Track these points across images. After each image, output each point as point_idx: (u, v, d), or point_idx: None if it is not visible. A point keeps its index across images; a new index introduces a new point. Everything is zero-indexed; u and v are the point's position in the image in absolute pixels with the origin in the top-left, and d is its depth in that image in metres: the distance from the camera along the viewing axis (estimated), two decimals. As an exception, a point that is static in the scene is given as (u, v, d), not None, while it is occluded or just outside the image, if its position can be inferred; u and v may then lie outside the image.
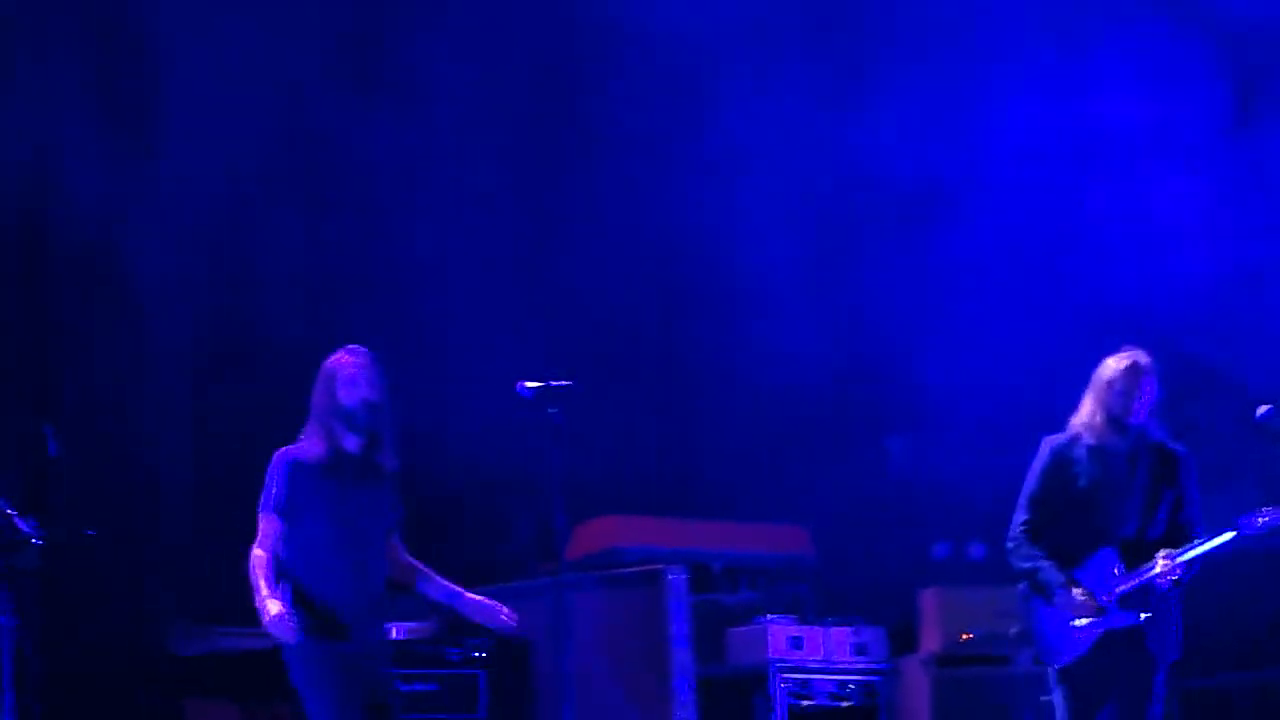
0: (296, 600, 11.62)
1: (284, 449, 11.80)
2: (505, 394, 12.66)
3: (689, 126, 17.97)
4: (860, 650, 14.90)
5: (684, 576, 14.63)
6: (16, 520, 11.01)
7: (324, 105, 17.27)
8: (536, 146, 17.43)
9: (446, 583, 12.60)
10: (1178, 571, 12.12)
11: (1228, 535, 11.93)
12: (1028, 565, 12.36)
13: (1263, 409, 13.77)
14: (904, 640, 15.31)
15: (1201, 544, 12.09)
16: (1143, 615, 11.86)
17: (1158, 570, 11.98)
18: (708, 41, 17.73)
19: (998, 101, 18.09)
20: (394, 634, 14.45)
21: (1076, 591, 12.19)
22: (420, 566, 12.11)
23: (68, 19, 16.78)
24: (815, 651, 14.69)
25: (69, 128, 15.77)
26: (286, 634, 12.15)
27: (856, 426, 17.10)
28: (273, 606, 11.28)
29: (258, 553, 11.57)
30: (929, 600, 15.20)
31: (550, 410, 12.47)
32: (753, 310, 17.43)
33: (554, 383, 12.50)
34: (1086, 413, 11.72)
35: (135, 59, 16.96)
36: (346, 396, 11.64)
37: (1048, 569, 12.25)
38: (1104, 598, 12.09)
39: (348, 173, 17.24)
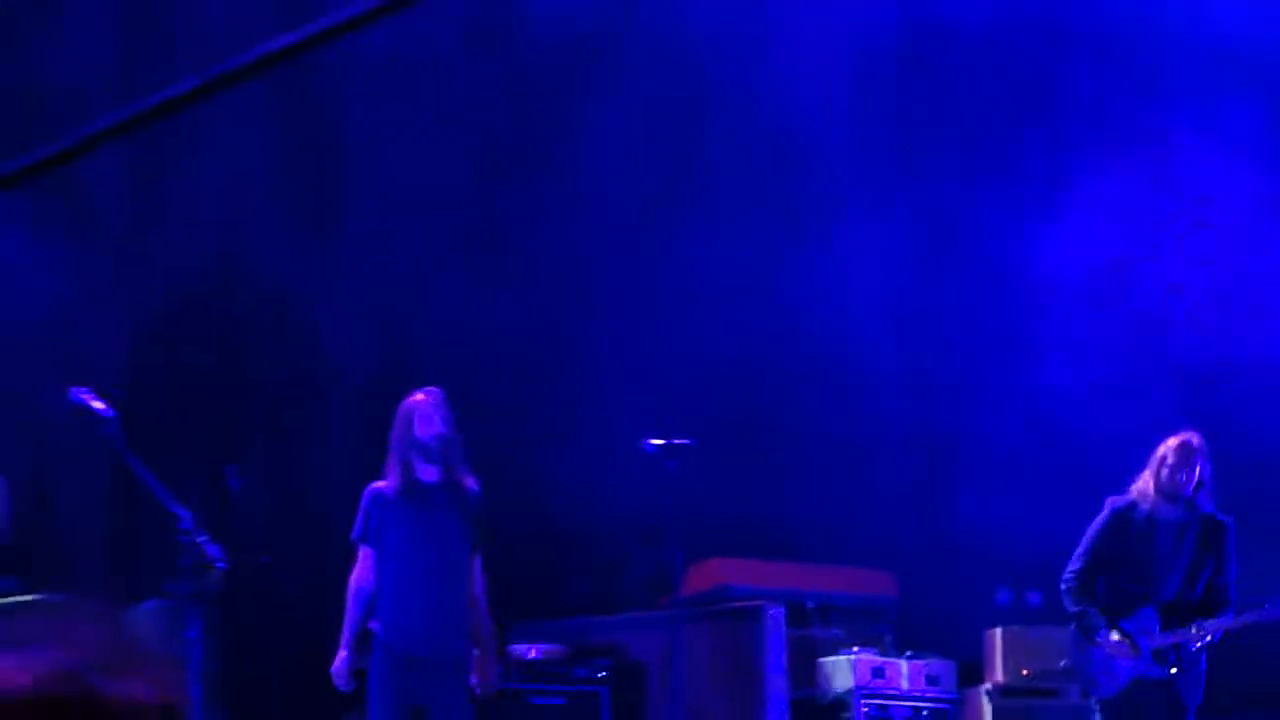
0: (381, 615, 12.83)
1: (371, 484, 13.02)
2: (631, 449, 14.06)
3: (783, 194, 18.12)
4: (933, 681, 15.43)
5: (781, 612, 15.32)
6: (205, 545, 11.54)
7: (479, 186, 17.84)
8: (663, 222, 17.59)
9: (484, 622, 12.94)
10: (1206, 639, 12.93)
11: (1253, 615, 12.93)
12: (1077, 609, 13.34)
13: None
14: (971, 673, 15.69)
15: (1230, 621, 13.06)
16: (1173, 670, 12.58)
17: (1191, 635, 12.92)
18: (810, 107, 17.82)
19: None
20: (530, 654, 15.42)
21: (1114, 636, 13.17)
22: (478, 597, 12.96)
23: (260, 112, 16.91)
24: (894, 681, 15.23)
25: (259, 203, 16.55)
26: (340, 683, 12.74)
27: (935, 483, 17.20)
28: (340, 656, 12.72)
29: (351, 584, 13.03)
30: (993, 639, 15.54)
31: (669, 464, 13.71)
32: (847, 378, 17.62)
33: (674, 441, 13.79)
34: (1143, 482, 12.91)
35: (317, 145, 17.69)
36: (422, 431, 12.86)
37: (1094, 614, 13.22)
38: (1142, 641, 13.05)
39: (500, 243, 17.76)
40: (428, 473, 12.84)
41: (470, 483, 13.14)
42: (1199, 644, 12.75)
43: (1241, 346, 17.45)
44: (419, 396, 13.15)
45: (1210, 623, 12.65)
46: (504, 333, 17.35)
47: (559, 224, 18.23)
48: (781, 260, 18.31)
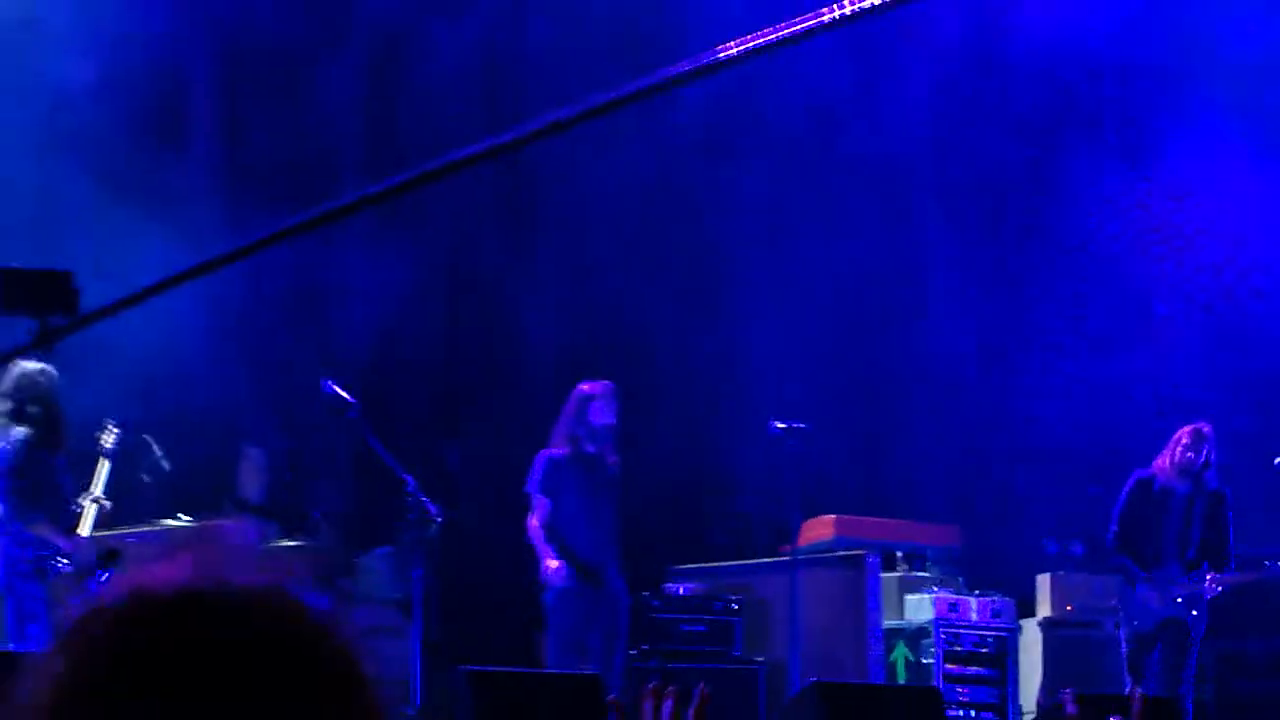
0: (562, 554, 14.01)
1: (543, 450, 14.16)
2: (760, 428, 15.36)
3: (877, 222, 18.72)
4: (996, 614, 15.98)
5: (877, 559, 16.03)
6: (426, 504, 13.15)
7: (647, 211, 18.45)
8: (788, 241, 18.44)
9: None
10: (1217, 590, 14.28)
11: (1254, 573, 14.42)
12: (1119, 562, 14.36)
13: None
14: (1026, 608, 16.33)
15: (1238, 576, 14.37)
16: (1194, 613, 13.69)
17: (1206, 586, 14.14)
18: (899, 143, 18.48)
19: None
20: (680, 590, 16.10)
21: (1148, 584, 14.17)
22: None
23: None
24: (965, 614, 15.87)
25: (482, 225, 17.39)
26: (560, 580, 13.81)
27: (998, 456, 17.88)
28: (551, 563, 13.86)
29: (534, 523, 14.14)
30: (1043, 582, 16.35)
31: (790, 441, 15.02)
32: (930, 371, 18.54)
33: (793, 424, 15.08)
34: (1162, 459, 14.29)
35: (526, 173, 18.35)
36: (596, 419, 14.06)
37: (1133, 567, 14.23)
38: (1172, 589, 13.97)
39: (663, 258, 18.29)
40: (590, 448, 13.99)
41: (613, 458, 14.29)
42: (1211, 594, 13.93)
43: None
44: (594, 387, 14.24)
45: (1220, 576, 13.97)
46: (666, 328, 17.81)
47: (710, 240, 18.68)
48: (882, 273, 18.72)
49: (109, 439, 13.52)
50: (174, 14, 17.55)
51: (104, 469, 13.36)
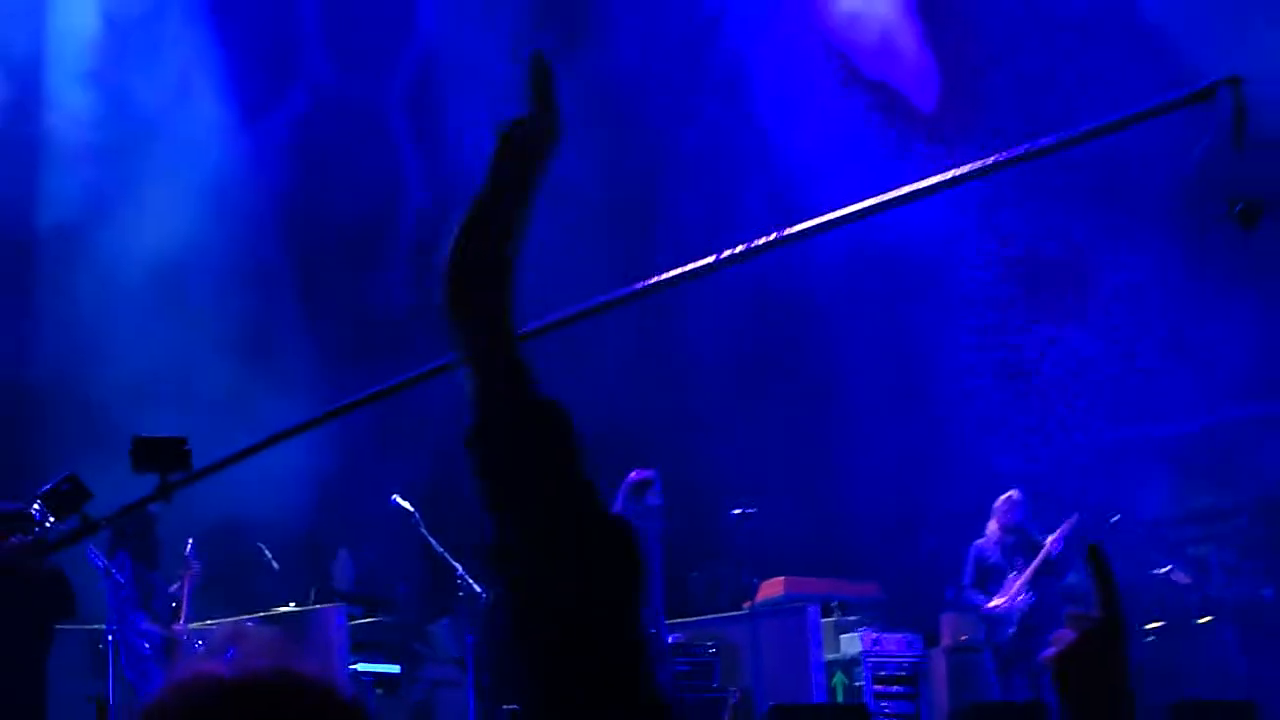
0: None
1: None
2: (724, 514, 15.89)
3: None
4: (909, 645, 16.30)
5: (818, 609, 16.37)
6: (472, 585, 13.74)
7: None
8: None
9: None
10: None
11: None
12: (969, 598, 15.31)
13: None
14: (932, 640, 16.51)
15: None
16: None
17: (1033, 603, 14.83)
18: None
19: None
20: (669, 639, 15.47)
21: (994, 603, 15.03)
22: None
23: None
24: (886, 647, 16.19)
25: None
26: None
27: (907, 530, 17.96)
28: None
29: None
30: (945, 620, 16.57)
31: (746, 523, 15.66)
32: (860, 473, 18.31)
33: (748, 509, 15.67)
34: (993, 524, 15.36)
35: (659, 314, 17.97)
36: (652, 499, 13.89)
37: (976, 597, 15.20)
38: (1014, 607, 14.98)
39: (662, 380, 18.48)
40: (642, 524, 13.27)
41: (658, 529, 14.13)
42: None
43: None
44: (649, 474, 14.11)
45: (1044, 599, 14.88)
46: (653, 434, 17.51)
47: (689, 370, 18.85)
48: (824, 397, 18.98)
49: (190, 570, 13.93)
50: (260, 203, 18.33)
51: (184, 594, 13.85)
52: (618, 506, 13.95)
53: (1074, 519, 15.08)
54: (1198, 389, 17.75)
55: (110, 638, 12.88)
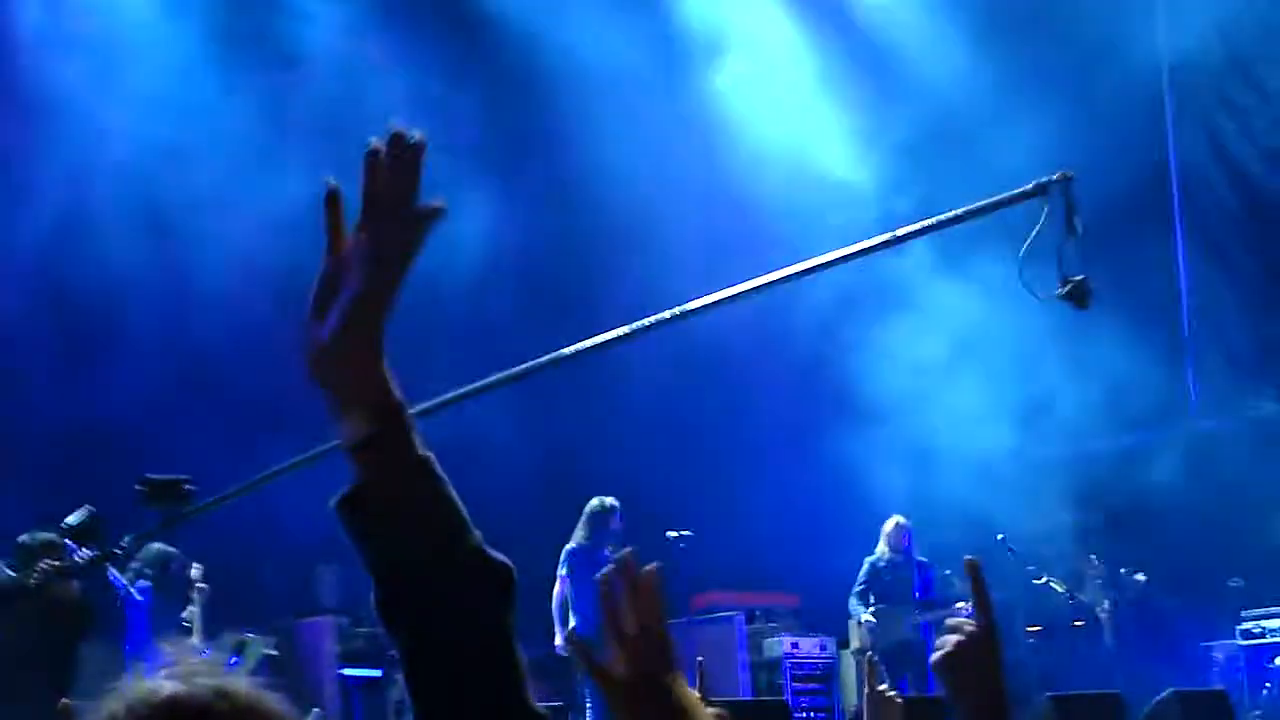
0: (579, 622, 13.70)
1: (568, 546, 13.99)
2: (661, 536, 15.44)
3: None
4: (823, 649, 16.66)
5: (744, 617, 16.68)
6: None
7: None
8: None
9: None
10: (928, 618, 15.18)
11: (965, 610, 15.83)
12: (857, 606, 15.49)
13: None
14: (843, 643, 16.63)
15: (948, 612, 14.01)
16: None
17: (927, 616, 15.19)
18: None
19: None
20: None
21: (869, 617, 15.36)
22: None
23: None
24: (803, 650, 16.57)
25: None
26: (562, 650, 13.71)
27: (820, 549, 17.23)
28: (560, 639, 13.82)
29: (557, 596, 14.02)
30: (853, 626, 16.11)
31: (680, 543, 15.57)
32: (778, 498, 18.37)
33: (683, 531, 15.69)
34: (883, 542, 15.76)
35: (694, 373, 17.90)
36: (616, 526, 14.17)
37: (861, 608, 15.47)
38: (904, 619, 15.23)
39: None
40: (603, 545, 14.07)
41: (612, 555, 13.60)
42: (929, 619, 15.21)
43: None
44: (614, 503, 14.37)
45: (933, 613, 15.31)
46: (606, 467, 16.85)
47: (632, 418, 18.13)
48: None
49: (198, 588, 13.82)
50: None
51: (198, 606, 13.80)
52: (582, 530, 14.31)
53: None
54: (1068, 421, 17.93)
55: (130, 655, 12.71)
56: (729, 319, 16.54)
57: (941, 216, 6.79)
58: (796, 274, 6.78)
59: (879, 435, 17.83)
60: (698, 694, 4.53)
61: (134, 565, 12.97)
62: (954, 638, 3.13)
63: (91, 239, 15.74)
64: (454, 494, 2.25)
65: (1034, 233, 6.59)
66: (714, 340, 16.29)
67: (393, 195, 2.22)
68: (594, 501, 14.38)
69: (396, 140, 2.23)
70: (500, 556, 2.26)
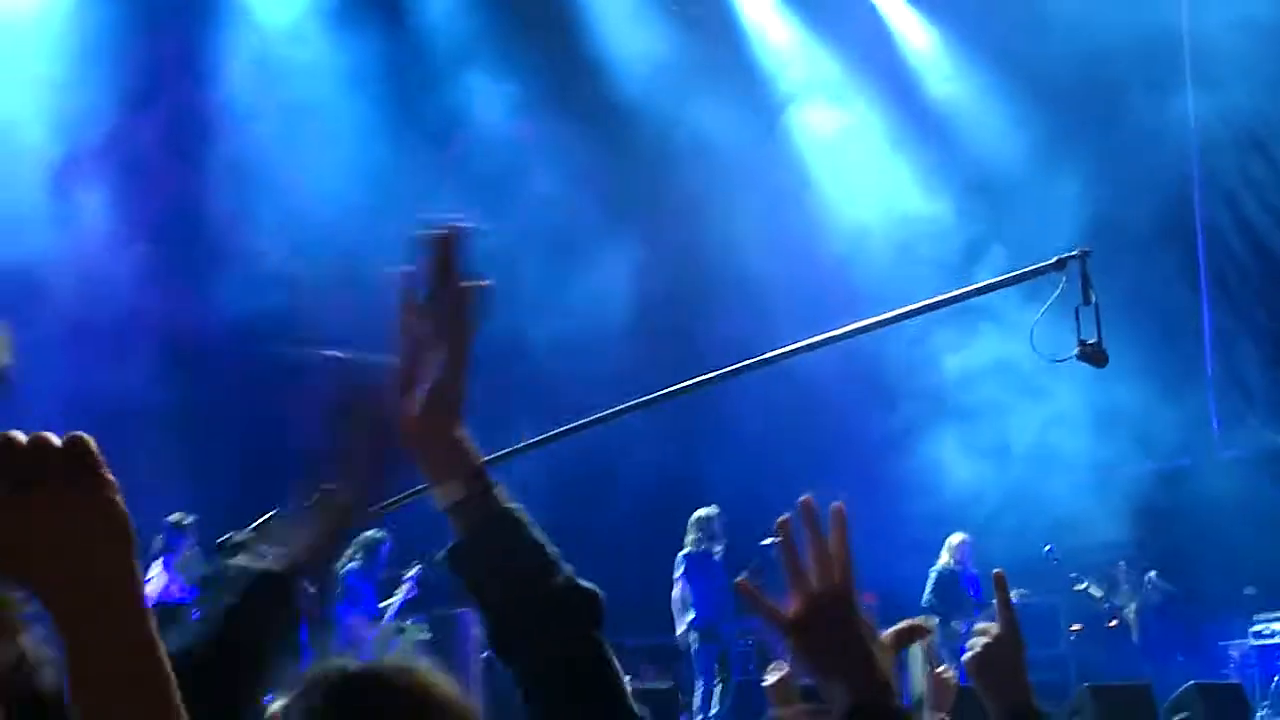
0: (697, 611, 14.02)
1: (683, 551, 14.10)
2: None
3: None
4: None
5: None
6: None
7: None
8: None
9: None
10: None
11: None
12: (938, 610, 15.17)
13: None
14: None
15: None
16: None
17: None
18: None
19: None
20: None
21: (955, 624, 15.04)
22: None
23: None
24: None
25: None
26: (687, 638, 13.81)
27: (893, 554, 15.55)
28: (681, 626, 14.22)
29: (682, 590, 14.17)
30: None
31: (773, 552, 16.50)
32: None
33: (776, 541, 16.80)
34: (945, 557, 15.70)
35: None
36: (719, 527, 14.17)
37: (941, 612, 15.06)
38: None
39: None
40: (708, 547, 14.39)
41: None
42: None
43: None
44: (715, 510, 14.63)
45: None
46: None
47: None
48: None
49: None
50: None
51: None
52: (691, 536, 14.55)
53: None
54: (1111, 449, 18.10)
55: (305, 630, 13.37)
56: (815, 358, 17.41)
57: (972, 286, 6.83)
58: (854, 331, 6.41)
59: (939, 456, 18.11)
60: (786, 669, 5.13)
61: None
62: (982, 640, 3.21)
63: (280, 286, 16.33)
64: (541, 537, 2.29)
65: (1049, 301, 6.41)
66: (806, 374, 15.94)
67: (447, 276, 2.24)
68: (699, 511, 14.69)
69: (446, 229, 2.26)
70: (588, 585, 2.28)
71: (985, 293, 6.75)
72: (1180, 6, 17.90)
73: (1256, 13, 16.70)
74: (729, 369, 5.76)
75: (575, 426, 5.61)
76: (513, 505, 2.29)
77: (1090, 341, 6.41)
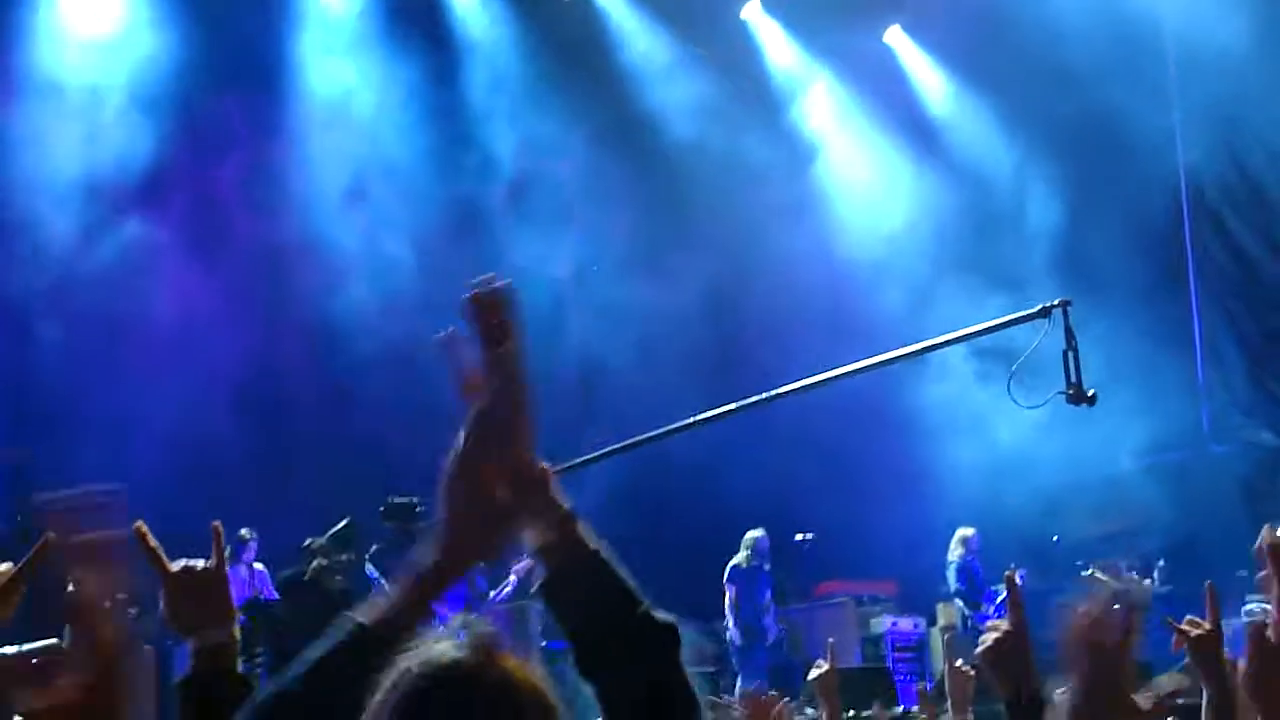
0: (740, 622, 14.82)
1: (731, 562, 14.64)
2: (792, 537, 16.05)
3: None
4: (916, 626, 16.59)
5: (853, 602, 16.90)
6: None
7: None
8: None
9: None
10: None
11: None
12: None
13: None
14: (932, 621, 16.59)
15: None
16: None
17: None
18: None
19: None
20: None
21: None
22: None
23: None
24: (901, 628, 16.55)
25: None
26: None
27: (912, 548, 17.19)
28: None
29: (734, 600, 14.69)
30: (940, 608, 16.63)
31: (804, 544, 16.31)
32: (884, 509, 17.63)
33: (807, 534, 16.30)
34: (959, 550, 15.68)
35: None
36: (764, 545, 14.91)
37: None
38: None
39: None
40: (759, 564, 15.01)
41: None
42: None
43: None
44: (762, 532, 15.20)
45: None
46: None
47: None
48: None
49: None
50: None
51: None
52: (743, 554, 15.11)
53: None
54: (1112, 444, 17.73)
55: None
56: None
57: (962, 331, 6.94)
58: (853, 371, 6.87)
59: (953, 458, 17.95)
60: (828, 665, 5.66)
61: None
62: (993, 635, 3.22)
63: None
64: (621, 574, 2.31)
65: (1031, 347, 6.44)
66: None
67: (493, 336, 2.19)
68: (750, 533, 15.39)
69: (486, 289, 2.20)
70: (665, 616, 2.30)
71: (977, 336, 6.90)
72: (1162, 29, 17.94)
73: (1239, 31, 16.64)
74: (754, 399, 6.14)
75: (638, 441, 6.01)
76: (596, 546, 2.30)
77: (1075, 384, 6.40)
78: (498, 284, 2.18)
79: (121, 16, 15.78)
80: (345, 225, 16.83)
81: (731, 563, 15.25)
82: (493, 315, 2.17)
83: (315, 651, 2.21)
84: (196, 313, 16.03)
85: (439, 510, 2.19)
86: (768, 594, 15.46)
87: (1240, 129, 18.15)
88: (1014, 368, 6.51)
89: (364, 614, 2.22)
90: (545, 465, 2.26)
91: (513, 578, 14.30)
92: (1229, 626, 3.91)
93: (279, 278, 16.70)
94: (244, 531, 13.55)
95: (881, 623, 16.64)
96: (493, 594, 14.36)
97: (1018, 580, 3.44)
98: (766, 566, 15.29)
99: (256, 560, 13.90)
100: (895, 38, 20.21)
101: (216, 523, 2.58)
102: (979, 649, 3.21)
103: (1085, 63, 16.88)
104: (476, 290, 2.16)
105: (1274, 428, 18.58)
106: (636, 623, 2.28)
